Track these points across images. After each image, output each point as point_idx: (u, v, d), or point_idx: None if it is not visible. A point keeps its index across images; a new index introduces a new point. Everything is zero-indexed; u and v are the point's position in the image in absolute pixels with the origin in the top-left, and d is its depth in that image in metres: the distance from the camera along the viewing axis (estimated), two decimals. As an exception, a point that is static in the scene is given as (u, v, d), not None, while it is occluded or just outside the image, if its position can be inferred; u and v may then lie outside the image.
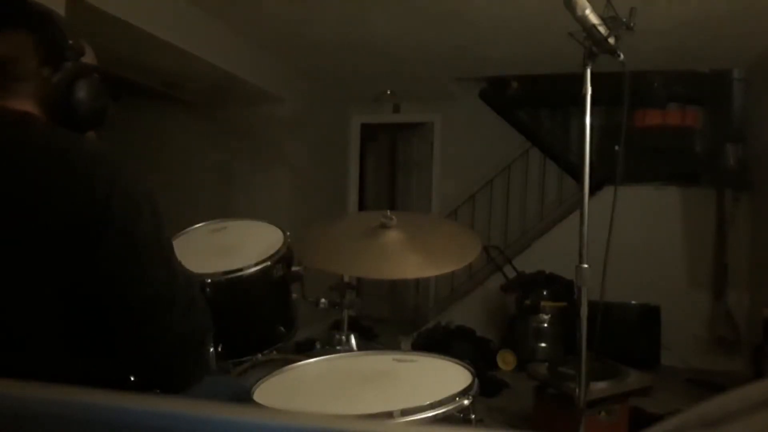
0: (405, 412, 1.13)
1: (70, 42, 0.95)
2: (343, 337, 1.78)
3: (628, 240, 3.63)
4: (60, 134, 0.92)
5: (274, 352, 1.75)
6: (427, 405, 1.16)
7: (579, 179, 1.73)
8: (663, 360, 4.56)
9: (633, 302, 4.61)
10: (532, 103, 5.81)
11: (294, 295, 1.77)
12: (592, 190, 1.86)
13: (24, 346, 0.87)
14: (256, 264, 1.57)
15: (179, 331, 0.92)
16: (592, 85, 1.67)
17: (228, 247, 1.73)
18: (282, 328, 1.72)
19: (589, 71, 1.66)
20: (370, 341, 4.78)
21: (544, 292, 4.59)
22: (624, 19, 1.59)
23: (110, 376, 0.98)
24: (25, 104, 0.92)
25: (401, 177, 7.06)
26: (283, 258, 1.64)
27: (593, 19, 1.57)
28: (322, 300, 1.86)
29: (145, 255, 0.88)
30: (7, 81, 0.91)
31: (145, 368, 0.94)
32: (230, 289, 1.55)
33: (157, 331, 0.90)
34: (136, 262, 0.87)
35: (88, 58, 1.00)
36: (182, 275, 0.94)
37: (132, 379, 1.25)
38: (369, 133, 6.73)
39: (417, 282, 6.05)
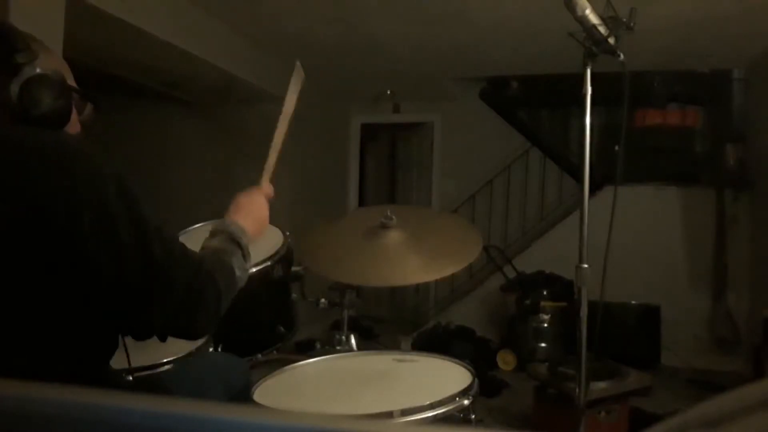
0: (405, 412, 1.13)
1: (22, 48, 0.98)
2: (343, 337, 1.78)
3: (628, 240, 3.63)
4: (15, 129, 0.95)
5: (274, 352, 1.75)
6: (427, 405, 1.16)
7: (579, 179, 1.73)
8: (663, 360, 4.56)
9: (633, 302, 4.61)
10: (532, 103, 5.81)
11: (294, 295, 1.77)
12: (592, 190, 1.86)
13: (11, 344, 0.87)
14: (256, 264, 1.57)
15: (168, 299, 0.93)
16: (592, 85, 1.67)
17: (228, 247, 1.73)
18: (282, 328, 1.72)
19: (589, 71, 1.66)
20: (370, 341, 4.79)
21: (544, 292, 4.58)
22: (624, 19, 1.59)
23: (97, 361, 0.99)
24: None
25: (401, 177, 7.07)
26: (283, 258, 1.65)
27: (593, 19, 1.57)
28: (322, 300, 1.86)
29: (121, 233, 0.89)
30: None
31: (144, 338, 0.97)
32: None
33: (145, 305, 0.92)
34: (112, 242, 0.88)
35: (48, 61, 1.02)
36: (160, 242, 0.94)
37: (131, 378, 1.26)
38: (369, 132, 6.73)
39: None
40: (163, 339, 0.99)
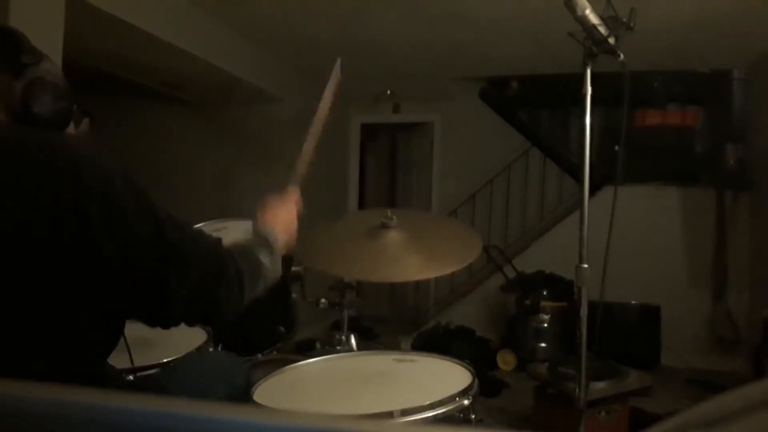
0: (405, 412, 1.13)
1: (29, 50, 1.00)
2: (343, 337, 1.78)
3: (628, 240, 3.63)
4: (17, 130, 0.96)
5: (274, 352, 1.75)
6: (427, 405, 1.16)
7: (579, 179, 1.73)
8: (663, 360, 4.56)
9: (633, 302, 4.61)
10: (532, 103, 5.81)
11: (294, 295, 1.78)
12: (592, 190, 1.86)
13: (20, 346, 0.87)
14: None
15: (184, 283, 0.93)
16: (592, 85, 1.67)
17: (228, 247, 1.73)
18: (282, 328, 1.72)
19: (589, 71, 1.66)
20: (370, 341, 4.79)
21: (544, 292, 4.58)
22: (624, 19, 1.59)
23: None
24: None
25: (401, 177, 7.07)
26: (283, 258, 1.64)
27: (593, 19, 1.57)
28: (322, 300, 1.86)
29: (134, 225, 0.90)
30: None
31: (168, 323, 0.98)
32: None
33: (161, 293, 0.92)
34: (126, 235, 0.89)
35: (51, 65, 1.04)
36: (172, 227, 0.94)
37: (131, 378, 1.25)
38: (369, 133, 6.73)
39: (417, 282, 6.05)
40: (189, 323, 0.99)
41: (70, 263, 0.87)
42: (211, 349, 1.60)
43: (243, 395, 1.26)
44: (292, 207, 1.30)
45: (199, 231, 1.00)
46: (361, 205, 6.66)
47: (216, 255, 0.98)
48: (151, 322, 0.97)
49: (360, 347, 1.79)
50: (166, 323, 0.97)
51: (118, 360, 1.04)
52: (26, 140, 0.92)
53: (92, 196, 0.87)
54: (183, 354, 1.48)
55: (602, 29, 1.57)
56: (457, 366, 1.43)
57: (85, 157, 0.90)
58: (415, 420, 1.13)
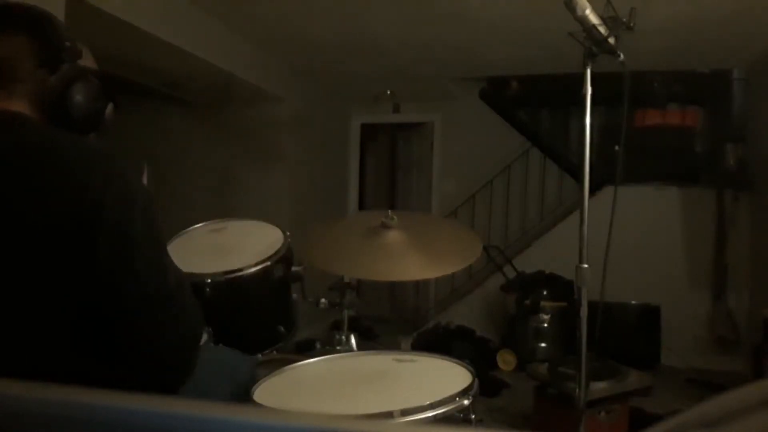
0: (405, 412, 1.13)
1: (68, 44, 0.97)
2: (343, 337, 1.78)
3: (628, 240, 3.63)
4: (52, 134, 0.93)
5: (274, 352, 1.75)
6: (427, 405, 1.16)
7: (579, 179, 1.73)
8: (663, 360, 4.56)
9: (633, 302, 4.61)
10: (532, 103, 5.81)
11: (294, 295, 1.77)
12: (592, 190, 1.86)
13: (22, 348, 0.87)
14: (256, 264, 1.57)
15: (174, 329, 0.91)
16: (592, 85, 1.67)
17: (228, 247, 1.73)
18: (282, 328, 1.72)
19: (589, 71, 1.66)
20: (370, 341, 4.79)
21: (544, 292, 4.58)
22: (624, 19, 1.59)
23: (108, 374, 0.98)
24: (21, 105, 0.93)
25: (401, 177, 7.06)
26: (283, 258, 1.65)
27: (593, 19, 1.57)
28: (322, 300, 1.86)
29: (139, 253, 0.88)
30: (3, 81, 0.93)
31: (142, 365, 0.93)
32: (230, 289, 1.55)
33: (152, 329, 0.90)
34: (129, 260, 0.87)
35: (86, 61, 1.02)
36: (174, 273, 0.93)
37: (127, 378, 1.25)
38: (369, 133, 6.73)
39: (417, 282, 6.05)
40: (157, 371, 0.93)
41: (70, 276, 0.85)
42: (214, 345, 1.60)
43: (248, 392, 1.25)
44: None
45: (189, 287, 0.97)
46: (361, 205, 6.67)
47: (198, 313, 0.97)
48: (121, 363, 0.90)
49: (360, 347, 1.79)
50: (135, 366, 0.91)
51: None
52: (61, 149, 0.89)
53: (111, 218, 0.85)
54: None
55: (602, 29, 1.57)
56: (457, 366, 1.43)
57: (116, 179, 0.88)
58: (415, 420, 1.13)
